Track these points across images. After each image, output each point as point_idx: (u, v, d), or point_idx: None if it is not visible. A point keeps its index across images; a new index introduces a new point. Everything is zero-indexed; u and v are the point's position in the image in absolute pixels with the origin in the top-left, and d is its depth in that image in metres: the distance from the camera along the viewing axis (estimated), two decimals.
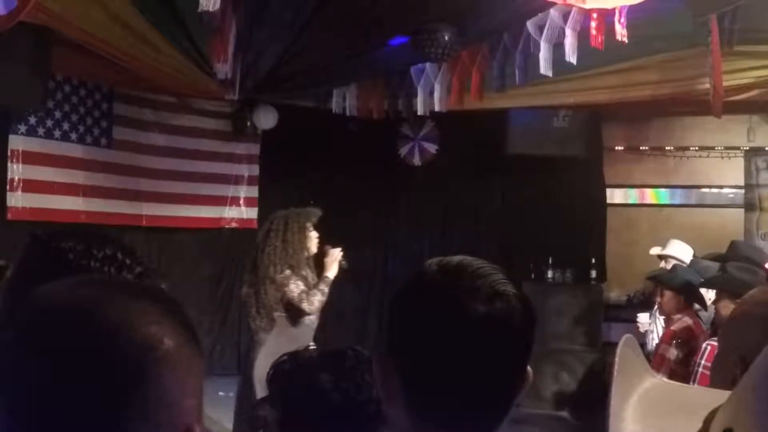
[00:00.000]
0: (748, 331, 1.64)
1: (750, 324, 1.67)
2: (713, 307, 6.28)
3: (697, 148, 11.17)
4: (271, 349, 6.24)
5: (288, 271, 6.42)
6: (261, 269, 6.47)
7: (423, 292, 1.56)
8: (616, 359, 1.49)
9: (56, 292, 1.16)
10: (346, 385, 2.19)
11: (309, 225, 6.59)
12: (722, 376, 1.67)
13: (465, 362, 1.48)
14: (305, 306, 6.41)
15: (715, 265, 6.26)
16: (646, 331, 7.76)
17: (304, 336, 6.46)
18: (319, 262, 6.73)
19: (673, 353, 5.99)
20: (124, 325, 1.10)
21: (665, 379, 1.54)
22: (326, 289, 6.51)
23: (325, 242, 6.71)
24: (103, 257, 1.95)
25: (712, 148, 11.09)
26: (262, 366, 6.22)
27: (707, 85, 7.17)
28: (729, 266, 5.42)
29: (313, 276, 6.62)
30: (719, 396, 1.18)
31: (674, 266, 6.76)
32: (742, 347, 1.59)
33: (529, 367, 1.57)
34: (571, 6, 5.96)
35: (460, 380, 1.49)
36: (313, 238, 6.60)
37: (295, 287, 6.41)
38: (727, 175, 11.21)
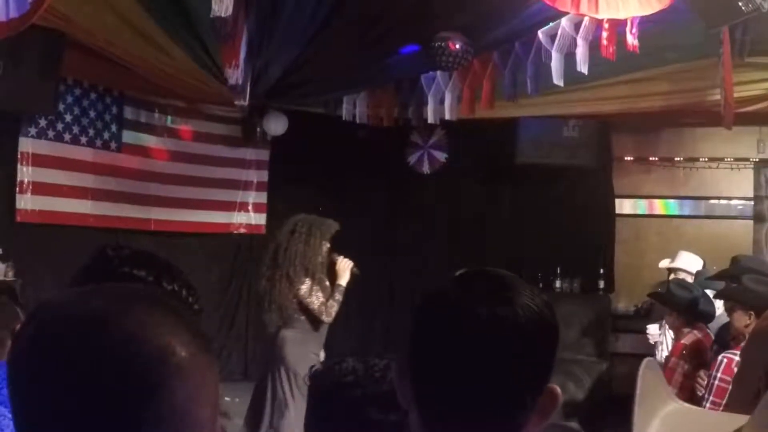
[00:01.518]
0: None
1: None
2: (719, 317, 6.29)
3: (706, 159, 11.15)
4: (298, 350, 6.80)
5: (308, 281, 6.77)
6: (280, 267, 6.80)
7: (437, 297, 1.58)
8: (638, 383, 1.47)
9: (70, 302, 1.16)
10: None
11: (328, 235, 6.94)
12: (745, 390, 1.66)
13: (463, 366, 1.49)
14: (325, 318, 6.85)
15: (718, 284, 6.26)
16: (655, 343, 7.73)
17: (324, 335, 7.05)
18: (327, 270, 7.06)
19: (683, 367, 5.98)
20: (136, 336, 1.09)
21: (686, 404, 1.52)
22: (341, 298, 6.91)
23: (333, 251, 7.01)
24: (170, 291, 1.96)
25: (722, 160, 11.07)
26: (294, 365, 6.74)
27: (718, 97, 7.16)
28: (744, 278, 5.39)
29: (326, 278, 6.98)
30: (740, 420, 1.17)
31: (668, 284, 6.76)
32: (767, 362, 1.58)
33: (557, 387, 1.56)
34: (583, 16, 5.95)
35: (461, 384, 1.50)
36: (326, 247, 6.93)
37: (316, 299, 6.80)
38: (736, 187, 11.18)
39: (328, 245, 6.92)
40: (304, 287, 6.75)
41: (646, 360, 1.56)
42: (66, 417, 1.07)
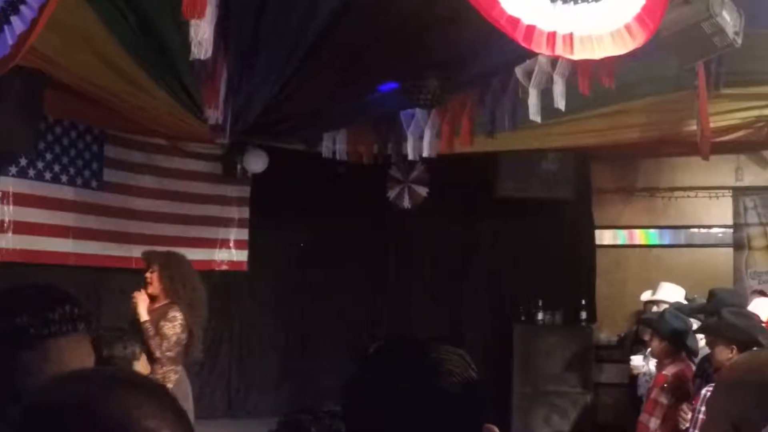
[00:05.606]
0: (739, 397, 1.66)
1: (741, 391, 1.68)
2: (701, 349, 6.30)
3: (685, 188, 11.23)
4: None
5: None
6: None
7: (361, 378, 1.66)
8: None
9: (52, 390, 1.16)
10: None
11: None
12: None
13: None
14: None
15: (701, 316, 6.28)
16: (638, 374, 7.74)
17: None
18: None
19: (665, 398, 6.00)
20: (124, 421, 1.09)
21: None
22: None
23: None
24: (60, 319, 1.93)
25: (701, 188, 11.15)
26: None
27: (694, 127, 7.21)
28: (724, 311, 5.42)
29: None
30: None
31: (663, 311, 6.76)
32: (734, 414, 1.61)
33: (493, 427, 1.60)
34: (558, 57, 6.01)
35: None
36: None
37: None
38: (715, 215, 11.27)
39: None
40: None
41: None
42: None
